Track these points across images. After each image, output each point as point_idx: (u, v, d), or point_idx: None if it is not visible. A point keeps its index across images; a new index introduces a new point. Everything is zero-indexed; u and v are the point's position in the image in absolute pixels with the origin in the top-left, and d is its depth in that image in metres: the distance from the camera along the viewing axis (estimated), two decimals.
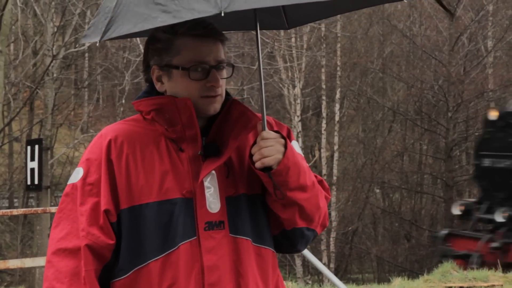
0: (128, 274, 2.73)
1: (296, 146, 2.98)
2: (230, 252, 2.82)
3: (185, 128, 2.79)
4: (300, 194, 2.85)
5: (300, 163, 2.90)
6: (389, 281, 16.02)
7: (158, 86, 2.88)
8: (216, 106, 2.85)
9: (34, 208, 18.22)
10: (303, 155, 3.03)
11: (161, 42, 2.87)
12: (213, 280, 2.76)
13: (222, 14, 2.42)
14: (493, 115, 19.87)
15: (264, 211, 2.94)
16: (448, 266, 17.67)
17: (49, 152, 21.77)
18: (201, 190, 2.78)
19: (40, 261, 14.47)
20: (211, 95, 2.82)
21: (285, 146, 2.81)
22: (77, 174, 2.77)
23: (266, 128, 2.84)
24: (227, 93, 2.97)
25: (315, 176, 3.03)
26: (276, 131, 2.87)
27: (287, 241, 3.00)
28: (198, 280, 2.75)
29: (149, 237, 2.73)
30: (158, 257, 2.72)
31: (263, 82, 3.16)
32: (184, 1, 2.55)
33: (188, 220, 2.76)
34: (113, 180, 2.71)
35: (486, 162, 20.01)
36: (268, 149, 2.76)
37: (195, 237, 2.76)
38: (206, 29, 2.80)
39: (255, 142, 2.82)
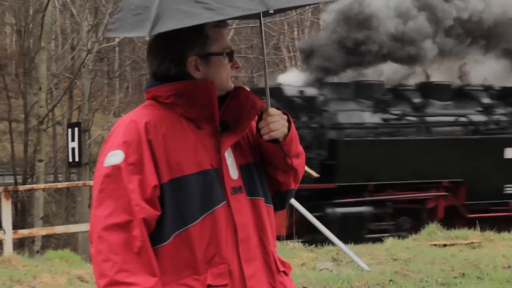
0: (170, 240, 2.66)
1: None
2: (251, 211, 2.83)
3: (204, 109, 2.74)
4: (296, 160, 2.92)
5: (296, 134, 2.96)
6: (382, 241, 15.24)
7: (197, 74, 2.77)
8: None
9: (76, 182, 18.23)
10: None
11: (203, 34, 2.79)
12: (244, 237, 2.77)
13: (271, 11, 2.52)
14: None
15: (265, 176, 2.96)
16: (433, 227, 17.24)
17: (86, 133, 21.95)
18: (224, 161, 2.77)
19: (81, 227, 14.52)
20: (234, 74, 2.91)
21: (289, 121, 2.88)
22: (115, 157, 2.63)
23: (270, 106, 2.86)
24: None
25: None
26: (278, 108, 2.89)
27: (279, 201, 3.05)
28: (232, 237, 2.74)
29: (188, 205, 2.68)
30: (196, 221, 2.68)
31: (267, 66, 3.24)
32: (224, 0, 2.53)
33: (218, 187, 2.73)
34: (154, 157, 2.64)
35: None
36: (275, 124, 2.80)
37: (225, 201, 2.73)
38: (223, 20, 2.75)
39: (260, 118, 2.85)
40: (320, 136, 16.62)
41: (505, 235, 14.61)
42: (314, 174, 15.07)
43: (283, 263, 2.93)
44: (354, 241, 13.00)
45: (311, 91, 17.08)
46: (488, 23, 22.19)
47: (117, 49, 31.14)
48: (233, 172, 2.80)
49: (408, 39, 20.52)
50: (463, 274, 9.69)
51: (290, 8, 2.77)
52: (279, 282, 2.84)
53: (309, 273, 9.44)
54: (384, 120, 17.17)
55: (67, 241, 19.72)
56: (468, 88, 18.81)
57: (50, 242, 18.21)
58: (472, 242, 13.35)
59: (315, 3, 2.82)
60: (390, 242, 13.72)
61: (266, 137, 2.80)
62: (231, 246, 2.72)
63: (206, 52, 2.76)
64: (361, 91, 17.61)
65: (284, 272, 2.91)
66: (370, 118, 17.22)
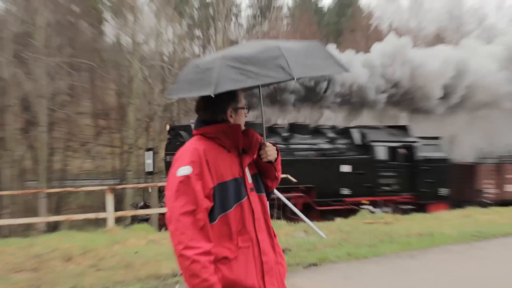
0: (216, 220, 2.65)
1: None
2: (259, 202, 2.83)
3: (233, 141, 2.76)
4: (279, 173, 2.99)
5: (280, 158, 3.00)
6: (334, 219, 15.25)
7: (231, 120, 2.80)
8: None
9: (150, 184, 18.38)
10: None
11: (235, 96, 2.80)
12: (258, 217, 2.78)
13: (295, 80, 2.48)
14: (167, 127, 17.24)
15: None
16: (365, 212, 16.58)
17: (157, 154, 22.09)
18: (245, 172, 2.80)
19: (154, 211, 14.61)
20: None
21: (277, 150, 2.95)
22: (186, 170, 2.61)
23: (266, 141, 2.93)
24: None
25: None
26: (271, 142, 2.96)
27: (266, 197, 3.00)
28: (251, 217, 2.75)
29: (227, 198, 2.68)
30: (231, 209, 2.68)
31: (264, 117, 3.31)
32: (260, 71, 2.49)
33: (243, 188, 2.74)
34: (209, 170, 2.64)
35: (168, 158, 16.97)
36: (270, 152, 2.89)
37: (246, 197, 2.75)
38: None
39: (260, 147, 2.89)
40: None
41: (407, 216, 14.64)
42: (294, 180, 14.88)
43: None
44: None
45: None
46: (405, 90, 21.74)
47: (176, 103, 31.06)
48: (249, 178, 2.82)
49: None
50: (382, 240, 9.70)
51: (310, 76, 2.66)
52: (276, 244, 2.88)
53: (290, 240, 9.41)
54: None
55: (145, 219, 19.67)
56: (320, 127, 18.18)
57: (135, 220, 18.19)
58: (387, 221, 13.25)
59: (330, 73, 2.78)
60: (339, 221, 13.74)
61: (264, 159, 2.89)
62: (251, 223, 2.75)
63: (236, 107, 2.81)
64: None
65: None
66: None
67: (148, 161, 16.32)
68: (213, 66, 2.53)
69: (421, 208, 17.13)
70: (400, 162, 17.72)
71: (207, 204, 2.61)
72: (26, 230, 18.85)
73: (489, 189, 19.88)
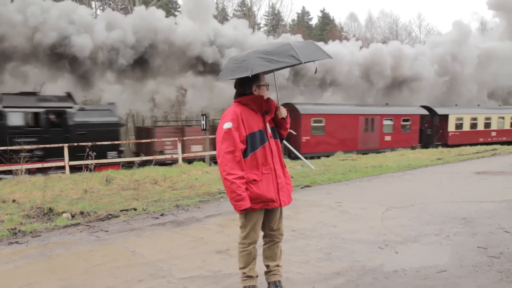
0: (248, 157, 2.55)
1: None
2: (275, 144, 2.69)
3: (258, 105, 2.62)
4: (288, 125, 2.79)
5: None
6: (319, 157, 15.12)
7: (256, 93, 2.62)
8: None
9: (203, 136, 18.20)
10: None
11: (259, 76, 2.62)
12: (274, 154, 2.66)
13: (302, 63, 2.42)
14: None
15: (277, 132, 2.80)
16: (339, 153, 16.09)
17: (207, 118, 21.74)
18: (266, 126, 2.66)
19: (206, 153, 14.62)
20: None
21: (287, 111, 2.78)
22: (229, 124, 2.52)
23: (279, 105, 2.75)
24: None
25: None
26: (282, 105, 2.82)
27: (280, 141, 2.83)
28: (270, 154, 2.64)
29: (255, 143, 2.57)
30: (258, 149, 2.58)
31: (278, 93, 2.94)
32: (279, 58, 2.42)
33: (265, 136, 2.61)
34: (244, 125, 2.55)
35: None
36: (283, 112, 2.70)
37: (267, 141, 2.63)
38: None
39: (277, 108, 2.70)
40: None
41: (363, 156, 14.29)
42: (294, 133, 14.50)
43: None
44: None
45: None
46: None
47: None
48: (269, 130, 2.67)
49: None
50: (350, 170, 9.55)
51: (310, 61, 2.50)
52: (285, 171, 2.75)
53: (292, 171, 9.41)
54: None
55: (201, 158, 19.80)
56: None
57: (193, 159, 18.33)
58: (353, 159, 13.07)
59: (322, 59, 2.59)
60: (323, 158, 13.66)
61: (279, 116, 2.71)
62: (270, 158, 2.63)
63: (259, 84, 2.63)
64: None
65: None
66: None
67: (203, 122, 15.53)
68: (248, 58, 2.46)
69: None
70: (46, 128, 11.47)
71: (241, 146, 2.52)
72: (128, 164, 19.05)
73: (169, 149, 14.25)
